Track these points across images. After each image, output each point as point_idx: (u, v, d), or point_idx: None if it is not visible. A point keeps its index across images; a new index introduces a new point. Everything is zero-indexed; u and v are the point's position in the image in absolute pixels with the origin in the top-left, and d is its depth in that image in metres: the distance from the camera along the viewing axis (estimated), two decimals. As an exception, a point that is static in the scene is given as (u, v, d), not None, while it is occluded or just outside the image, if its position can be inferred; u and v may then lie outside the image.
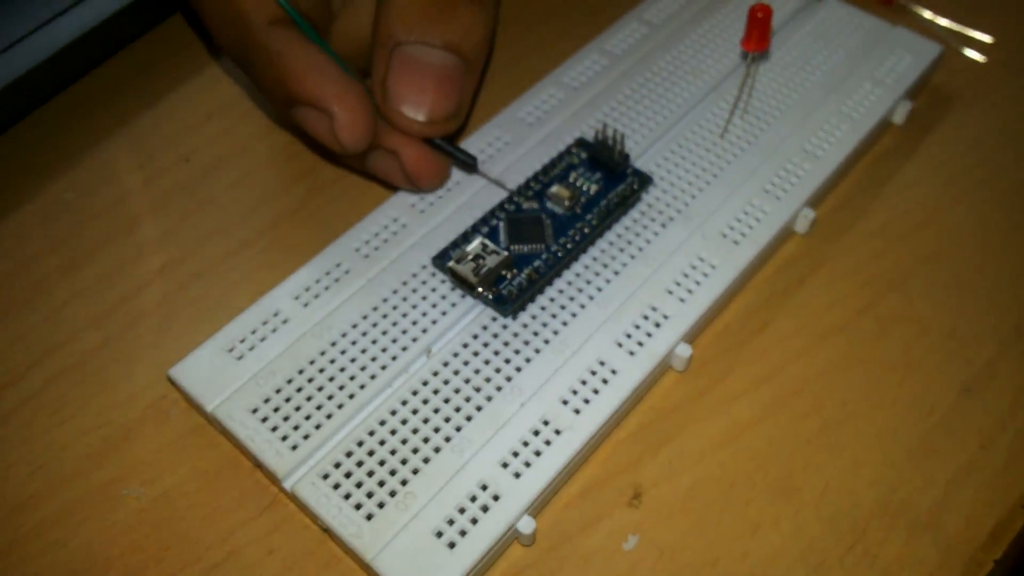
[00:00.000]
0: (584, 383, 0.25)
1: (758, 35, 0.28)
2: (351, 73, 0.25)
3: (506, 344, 0.25)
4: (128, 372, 0.26)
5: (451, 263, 0.26)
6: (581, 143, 0.29)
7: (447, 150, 0.27)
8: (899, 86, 0.32)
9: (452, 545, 0.22)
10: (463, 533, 0.22)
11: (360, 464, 0.23)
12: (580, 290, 0.26)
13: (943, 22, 0.36)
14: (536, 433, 0.24)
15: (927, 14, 0.36)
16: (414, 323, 0.26)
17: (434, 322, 0.26)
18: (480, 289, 0.25)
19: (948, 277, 0.29)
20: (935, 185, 0.31)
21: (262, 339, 0.25)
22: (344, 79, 0.25)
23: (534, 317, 0.26)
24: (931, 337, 0.27)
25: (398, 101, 0.25)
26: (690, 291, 0.26)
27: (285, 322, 0.26)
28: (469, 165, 0.28)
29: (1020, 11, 0.37)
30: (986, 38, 0.36)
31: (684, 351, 0.26)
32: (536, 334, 0.26)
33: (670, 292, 0.26)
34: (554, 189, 0.28)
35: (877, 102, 0.31)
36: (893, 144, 0.32)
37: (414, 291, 0.26)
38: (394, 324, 0.26)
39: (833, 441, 0.25)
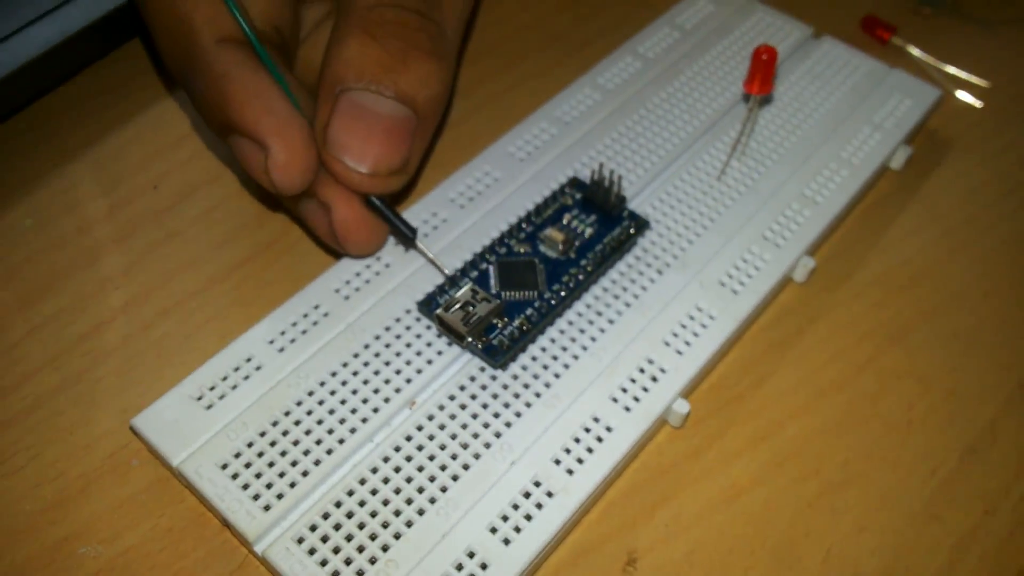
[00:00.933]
0: (578, 441, 0.23)
1: (762, 78, 0.27)
2: (299, 107, 0.23)
3: (495, 397, 0.24)
4: (87, 418, 0.25)
5: (439, 311, 0.24)
6: (575, 183, 0.28)
7: (386, 214, 0.25)
8: (898, 131, 0.31)
9: (437, 620, 0.20)
10: (449, 606, 0.21)
11: (338, 527, 0.22)
12: (573, 340, 0.25)
13: (939, 64, 0.35)
14: (527, 495, 0.22)
15: (923, 55, 0.36)
16: (397, 372, 0.24)
17: (419, 371, 0.24)
18: (470, 339, 0.24)
19: (948, 331, 0.28)
20: (934, 234, 0.30)
21: (233, 387, 0.24)
22: (289, 113, 0.23)
23: (525, 368, 0.24)
24: (932, 395, 0.26)
25: (340, 149, 0.23)
26: (688, 343, 0.25)
27: (258, 369, 0.24)
28: (407, 238, 0.25)
29: (1017, 56, 0.37)
30: (983, 82, 0.35)
31: (682, 407, 0.24)
32: (527, 386, 0.24)
33: (667, 344, 0.25)
34: (547, 232, 0.26)
35: (876, 147, 0.30)
36: (890, 190, 0.31)
37: (397, 337, 0.25)
38: (376, 373, 0.24)
39: (834, 504, 0.24)
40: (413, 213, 0.28)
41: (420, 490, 0.22)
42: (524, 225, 0.27)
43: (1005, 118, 0.34)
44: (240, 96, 0.23)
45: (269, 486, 0.22)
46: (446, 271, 0.26)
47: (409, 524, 0.22)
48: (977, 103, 0.35)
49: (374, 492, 0.22)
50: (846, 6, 0.38)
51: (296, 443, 0.23)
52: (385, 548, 0.21)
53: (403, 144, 0.24)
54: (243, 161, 0.24)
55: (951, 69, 0.35)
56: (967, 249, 0.30)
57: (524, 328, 0.24)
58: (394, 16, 0.24)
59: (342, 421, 0.23)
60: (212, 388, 0.24)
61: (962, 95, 0.35)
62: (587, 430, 0.23)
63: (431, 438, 0.23)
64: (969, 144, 0.33)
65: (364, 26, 0.24)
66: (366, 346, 0.25)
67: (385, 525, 0.22)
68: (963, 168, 0.32)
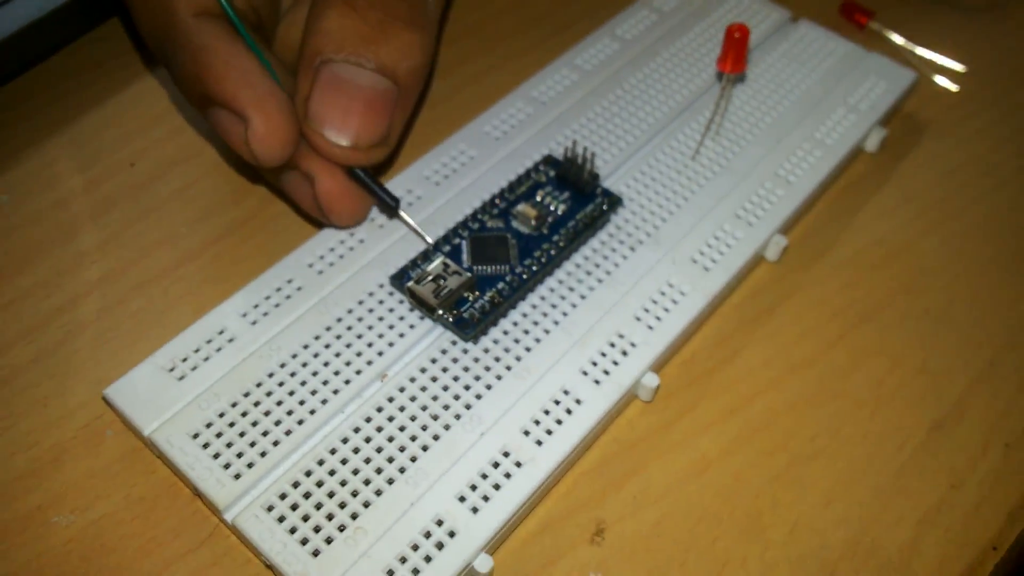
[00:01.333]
0: (547, 413, 0.23)
1: (735, 56, 0.27)
2: (279, 80, 0.23)
3: (466, 370, 0.24)
4: (61, 389, 0.25)
5: (410, 283, 0.24)
6: (549, 160, 0.28)
7: (369, 185, 0.25)
8: (873, 113, 0.31)
9: (404, 585, 0.21)
10: (416, 572, 0.21)
11: (307, 496, 0.22)
12: (545, 314, 0.25)
13: (916, 49, 0.36)
14: (496, 465, 0.23)
15: (900, 40, 0.36)
16: (369, 345, 0.24)
17: (390, 345, 0.24)
18: (440, 312, 0.24)
19: (920, 310, 0.28)
20: (907, 215, 0.30)
21: (205, 358, 0.24)
22: (268, 85, 0.23)
23: (496, 342, 0.25)
24: (902, 371, 0.27)
25: (321, 122, 0.23)
26: (659, 318, 0.25)
27: (231, 341, 0.24)
28: (390, 207, 0.25)
29: (992, 41, 0.37)
30: (959, 67, 0.35)
31: (651, 381, 0.25)
32: (498, 360, 0.24)
33: (638, 319, 0.25)
34: (520, 208, 0.26)
35: (851, 128, 0.31)
36: (865, 171, 0.32)
37: (370, 311, 0.25)
38: (348, 346, 0.24)
39: (802, 477, 0.24)
40: (389, 188, 0.28)
41: (390, 460, 0.22)
42: (497, 201, 0.27)
43: (980, 102, 0.34)
44: (219, 68, 0.23)
45: (240, 455, 0.22)
46: (429, 239, 0.26)
47: (379, 493, 0.22)
48: (953, 87, 0.35)
49: (344, 462, 0.22)
50: (825, -9, 0.38)
51: (267, 414, 0.23)
52: (354, 516, 0.21)
53: (384, 116, 0.24)
54: (223, 133, 0.24)
55: (928, 54, 0.36)
56: (939, 230, 0.30)
57: (495, 301, 0.25)
58: None
59: (313, 392, 0.23)
60: (184, 360, 0.24)
61: (939, 79, 0.35)
62: (557, 402, 0.24)
63: (402, 409, 0.23)
64: (944, 128, 0.33)
65: None
66: (338, 319, 0.25)
67: (355, 494, 0.22)
68: (937, 151, 0.33)
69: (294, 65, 0.25)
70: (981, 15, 0.38)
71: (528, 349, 0.25)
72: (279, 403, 0.23)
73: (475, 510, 0.22)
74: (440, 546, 0.21)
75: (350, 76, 0.23)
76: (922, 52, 0.36)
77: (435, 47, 0.26)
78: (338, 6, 0.23)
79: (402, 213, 0.26)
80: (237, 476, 0.22)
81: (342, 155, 0.24)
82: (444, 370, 0.24)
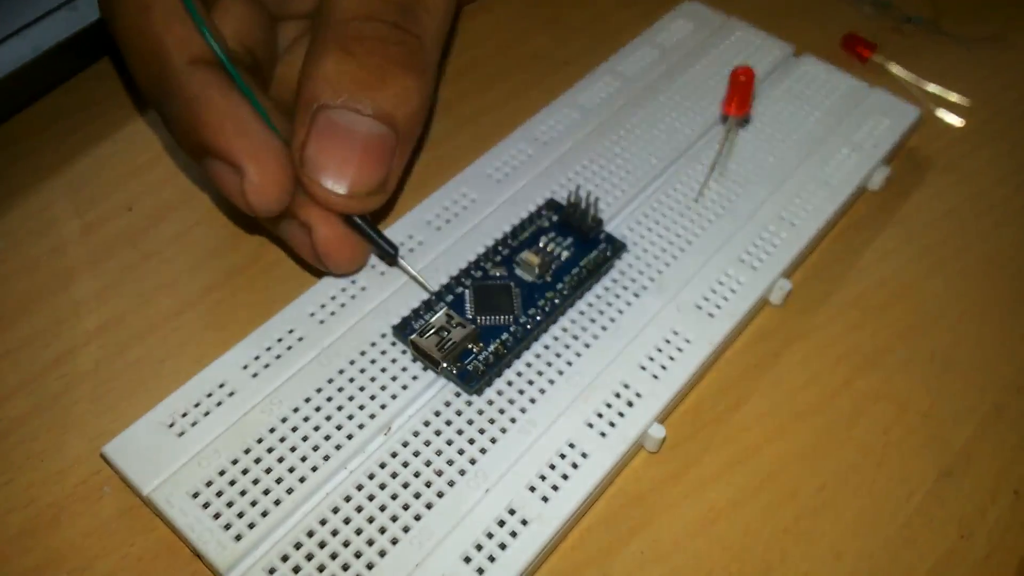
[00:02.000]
0: (553, 467, 0.23)
1: (740, 99, 0.27)
2: (274, 128, 0.23)
3: (470, 423, 0.24)
4: (59, 444, 0.24)
5: (414, 336, 0.24)
6: (552, 205, 0.28)
7: (367, 233, 0.25)
8: (877, 151, 0.31)
9: (409, 652, 0.20)
10: (421, 638, 0.20)
11: (310, 557, 0.21)
12: (549, 364, 0.25)
13: (919, 82, 0.36)
14: (502, 524, 0.22)
15: (903, 73, 0.36)
16: (372, 398, 0.24)
17: (393, 397, 0.24)
18: (444, 365, 0.24)
19: (925, 353, 0.28)
20: (911, 255, 0.30)
21: (205, 413, 0.24)
22: (264, 135, 0.23)
23: (500, 393, 0.24)
24: (909, 417, 0.26)
25: (317, 170, 0.23)
26: (664, 367, 0.25)
27: (231, 395, 0.24)
28: (390, 255, 0.25)
29: (997, 75, 0.37)
30: (962, 100, 0.35)
31: (658, 432, 0.24)
32: (502, 412, 0.24)
33: (643, 368, 0.25)
34: (524, 255, 0.26)
35: (855, 168, 0.30)
36: (868, 211, 0.31)
37: (372, 362, 0.25)
38: (350, 399, 0.24)
39: (811, 529, 0.24)
40: (390, 234, 0.27)
41: (394, 519, 0.22)
42: (500, 248, 0.27)
43: (984, 137, 0.34)
44: (213, 118, 0.22)
45: (240, 515, 0.22)
46: (430, 287, 0.26)
47: (382, 554, 0.22)
48: (957, 121, 0.35)
49: (347, 521, 0.22)
50: (827, 24, 0.38)
51: (268, 471, 0.23)
52: (358, 578, 0.21)
53: (382, 163, 0.24)
54: (219, 184, 0.23)
55: (931, 87, 0.36)
56: (943, 269, 0.30)
57: (499, 353, 0.24)
58: (371, 31, 0.23)
59: (315, 448, 0.23)
60: (184, 415, 0.23)
61: (942, 113, 0.35)
62: (562, 456, 0.23)
63: (405, 465, 0.23)
64: (948, 163, 0.33)
65: (341, 42, 0.23)
66: (340, 371, 0.24)
67: (358, 555, 0.21)
68: (941, 188, 0.32)
69: (291, 106, 0.24)
70: (984, 47, 0.38)
71: (532, 401, 0.24)
72: (280, 460, 0.23)
73: (480, 571, 0.21)
74: (446, 609, 0.21)
75: (347, 122, 0.23)
76: (925, 85, 0.36)
77: (434, 91, 0.26)
78: (335, 51, 0.23)
79: (401, 261, 0.26)
80: (238, 537, 0.22)
81: (339, 203, 0.24)
82: (448, 423, 0.24)
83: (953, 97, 0.35)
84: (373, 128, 0.23)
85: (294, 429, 0.23)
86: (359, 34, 0.23)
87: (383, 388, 0.24)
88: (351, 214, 0.24)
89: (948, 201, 0.32)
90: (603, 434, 0.24)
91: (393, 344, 0.25)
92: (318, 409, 0.24)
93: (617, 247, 0.27)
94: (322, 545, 0.22)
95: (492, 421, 0.24)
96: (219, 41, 0.23)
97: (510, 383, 0.25)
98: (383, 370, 0.25)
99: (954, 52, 0.38)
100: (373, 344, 0.25)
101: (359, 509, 0.22)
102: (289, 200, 0.23)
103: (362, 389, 0.24)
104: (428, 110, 0.25)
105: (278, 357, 0.25)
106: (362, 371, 0.25)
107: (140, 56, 0.23)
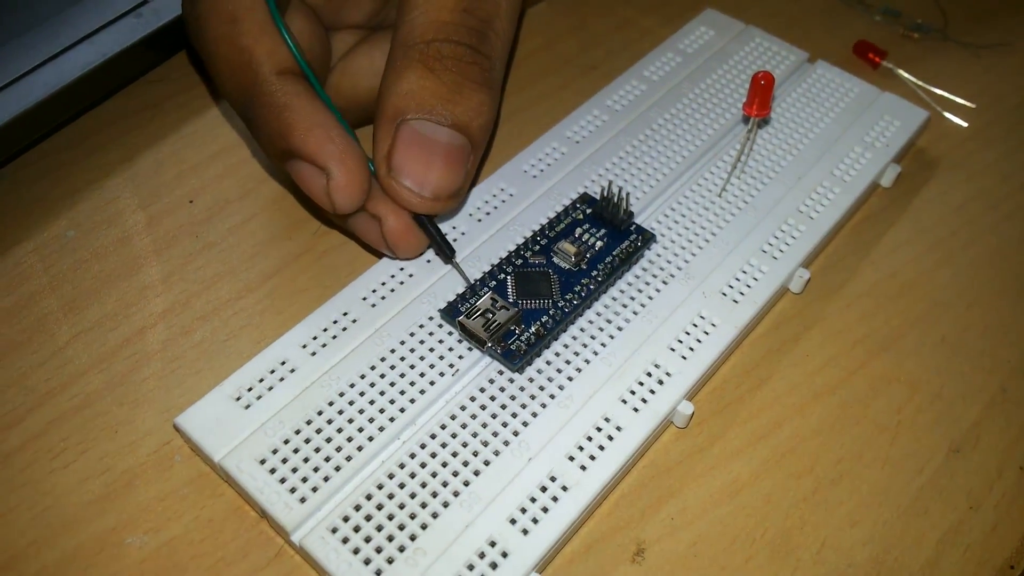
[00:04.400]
0: (590, 439, 0.25)
1: (760, 101, 0.29)
2: (353, 135, 0.25)
3: (513, 398, 0.26)
4: (131, 417, 0.26)
5: (461, 318, 0.26)
6: (586, 199, 0.30)
7: (430, 231, 0.27)
8: (888, 150, 0.33)
9: (462, 602, 0.22)
10: (473, 590, 0.22)
11: (369, 518, 0.23)
12: (585, 345, 0.27)
13: (927, 87, 0.37)
14: (543, 489, 0.24)
15: (912, 78, 0.38)
16: (421, 375, 0.26)
17: (441, 375, 0.26)
18: (490, 344, 0.26)
19: (935, 338, 0.30)
20: (921, 247, 0.32)
21: (269, 388, 0.25)
22: (345, 139, 0.25)
23: (540, 371, 0.26)
24: (920, 398, 0.28)
25: (403, 174, 0.25)
26: (692, 349, 0.27)
27: (292, 371, 0.26)
28: (446, 254, 0.28)
29: (1002, 79, 0.39)
30: (969, 104, 0.37)
31: (686, 408, 0.26)
32: (542, 388, 0.26)
33: (672, 350, 0.27)
34: (561, 244, 0.28)
35: (867, 166, 0.32)
36: (881, 205, 0.33)
37: (421, 342, 0.27)
38: (401, 376, 0.26)
39: (828, 499, 0.26)
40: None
41: (444, 484, 0.24)
42: (539, 238, 0.29)
43: (989, 137, 0.36)
44: (303, 125, 0.25)
45: (304, 480, 0.24)
46: (471, 281, 0.28)
47: (435, 515, 0.23)
48: (963, 123, 0.36)
49: (402, 486, 0.24)
50: (840, 31, 0.40)
51: (329, 440, 0.25)
52: (413, 537, 0.23)
53: (460, 169, 0.26)
54: (304, 184, 0.26)
55: (939, 91, 0.37)
56: (952, 261, 0.32)
57: (540, 334, 0.26)
58: (451, 51, 0.26)
59: (371, 420, 0.25)
60: (250, 389, 0.25)
61: (949, 116, 0.37)
62: (599, 429, 0.25)
63: (454, 436, 0.25)
64: (955, 162, 0.35)
65: (423, 60, 0.26)
66: (392, 351, 0.26)
67: (412, 516, 0.23)
68: (949, 185, 0.34)
69: (345, 111, 0.27)
70: (988, 52, 0.40)
71: (570, 379, 0.26)
72: (339, 430, 0.25)
73: (525, 532, 0.23)
74: (494, 566, 0.23)
75: (430, 132, 0.25)
76: (933, 89, 0.37)
77: (499, 104, 0.28)
78: (418, 68, 0.25)
79: (455, 261, 0.28)
80: (303, 500, 0.23)
81: (420, 204, 0.26)
82: (492, 399, 0.26)
83: (959, 100, 0.37)
84: (452, 137, 0.26)
85: (351, 403, 0.25)
86: (439, 54, 0.26)
87: (432, 366, 0.26)
88: (430, 214, 0.27)
89: (956, 197, 0.34)
90: (636, 409, 0.26)
91: (440, 326, 0.27)
92: (372, 385, 0.26)
93: (647, 238, 0.29)
94: (379, 507, 0.23)
95: (533, 397, 0.26)
96: (303, 56, 0.25)
97: (549, 362, 0.27)
98: (431, 350, 0.27)
99: (961, 57, 0.39)
100: (421, 326, 0.27)
101: (412, 475, 0.24)
102: (366, 198, 0.26)
103: (412, 367, 0.26)
104: (496, 122, 0.27)
105: (334, 337, 0.27)
106: (412, 350, 0.26)
107: (229, 65, 0.26)
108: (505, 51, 0.28)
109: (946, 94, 0.37)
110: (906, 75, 0.38)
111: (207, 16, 0.25)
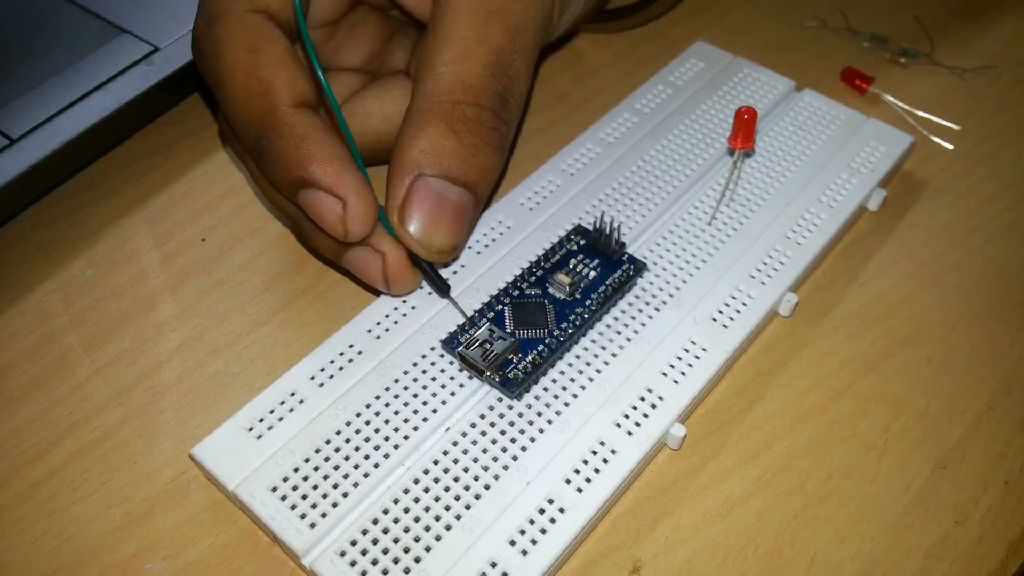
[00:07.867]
0: (586, 462, 0.26)
1: (744, 134, 0.30)
2: (363, 169, 0.27)
3: (512, 424, 0.27)
4: (150, 447, 0.28)
5: (460, 348, 0.27)
6: (579, 230, 0.31)
7: (424, 269, 0.28)
8: (874, 175, 0.34)
9: (465, 621, 0.23)
10: (475, 609, 0.23)
11: (376, 542, 0.24)
12: (580, 372, 0.28)
13: (913, 110, 0.39)
14: (542, 511, 0.25)
15: (898, 103, 0.39)
16: (424, 403, 0.27)
17: (443, 402, 0.27)
18: (488, 373, 0.27)
19: (921, 358, 0.31)
20: (908, 269, 0.33)
21: (280, 419, 0.27)
22: (358, 171, 0.26)
23: (537, 398, 0.27)
24: (906, 417, 0.29)
25: (411, 224, 0.27)
26: (683, 373, 0.28)
27: (302, 402, 0.27)
28: (441, 289, 0.29)
29: (987, 102, 0.40)
30: (954, 126, 0.38)
31: (679, 431, 0.27)
32: (540, 414, 0.27)
33: (664, 374, 0.28)
34: (556, 275, 0.29)
35: (853, 191, 0.33)
36: (868, 229, 0.34)
37: (423, 372, 0.28)
38: (405, 404, 0.27)
39: (818, 516, 0.27)
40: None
41: (447, 508, 0.25)
42: (535, 269, 0.30)
43: (973, 159, 0.37)
44: (323, 156, 0.26)
45: (314, 506, 0.25)
46: (468, 315, 0.29)
47: (438, 538, 0.25)
48: (949, 145, 0.38)
49: (407, 510, 0.25)
50: (827, 58, 0.41)
51: (337, 467, 0.26)
52: (417, 560, 0.24)
53: (464, 225, 0.27)
54: (316, 212, 0.26)
55: (925, 114, 0.39)
56: (938, 283, 0.33)
57: (536, 362, 0.27)
58: (475, 115, 0.27)
59: (377, 447, 0.26)
60: (261, 420, 0.27)
61: (935, 138, 0.38)
62: (594, 452, 0.26)
63: (455, 461, 0.26)
64: (940, 185, 0.36)
65: (447, 120, 0.27)
66: (396, 380, 0.28)
67: (417, 539, 0.25)
68: (934, 208, 0.35)
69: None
70: (973, 76, 0.41)
71: (567, 404, 0.27)
72: (347, 457, 0.26)
73: (524, 553, 0.24)
74: (495, 585, 0.24)
75: (442, 190, 0.27)
76: (919, 113, 0.39)
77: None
78: (440, 126, 0.27)
79: (451, 295, 0.29)
80: (312, 525, 0.25)
81: (425, 254, 0.27)
82: (492, 425, 0.27)
83: (945, 123, 0.38)
84: (461, 196, 0.27)
85: (357, 431, 0.27)
86: (464, 116, 0.27)
87: (434, 395, 0.27)
88: (432, 262, 0.28)
89: (941, 220, 0.35)
90: (630, 433, 0.27)
91: (442, 356, 0.28)
92: (378, 413, 0.27)
93: (639, 267, 0.30)
94: (386, 531, 0.25)
95: (531, 422, 0.27)
96: (331, 90, 0.26)
97: (546, 389, 0.28)
98: (433, 379, 0.28)
99: (947, 81, 0.41)
100: (424, 356, 0.28)
101: (416, 500, 0.25)
102: (373, 228, 0.27)
103: (415, 396, 0.27)
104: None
105: (341, 369, 0.28)
106: (415, 380, 0.28)
107: (246, 93, 0.26)
108: (519, 114, 0.29)
109: (932, 117, 0.38)
110: (892, 100, 0.39)
111: (226, 42, 0.26)
